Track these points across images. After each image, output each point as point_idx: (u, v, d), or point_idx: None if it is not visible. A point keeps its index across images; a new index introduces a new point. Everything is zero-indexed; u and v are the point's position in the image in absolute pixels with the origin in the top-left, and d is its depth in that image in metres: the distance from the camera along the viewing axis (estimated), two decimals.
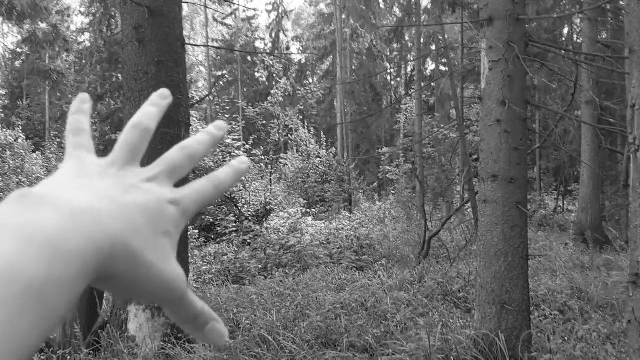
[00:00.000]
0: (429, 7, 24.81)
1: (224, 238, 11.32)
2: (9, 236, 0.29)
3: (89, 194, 0.36)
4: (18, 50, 31.71)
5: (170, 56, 4.99)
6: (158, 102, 0.46)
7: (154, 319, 4.83)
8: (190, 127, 5.49)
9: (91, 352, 4.33)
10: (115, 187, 0.38)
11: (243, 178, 13.97)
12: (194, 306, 0.41)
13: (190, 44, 6.06)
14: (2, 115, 32.16)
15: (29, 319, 0.28)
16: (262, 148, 16.08)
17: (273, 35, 45.06)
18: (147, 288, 0.37)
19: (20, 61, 32.15)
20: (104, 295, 5.48)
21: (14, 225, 0.30)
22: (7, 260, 0.28)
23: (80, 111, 0.46)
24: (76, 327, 4.30)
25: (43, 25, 18.42)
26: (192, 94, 20.41)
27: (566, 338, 4.87)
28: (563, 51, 5.92)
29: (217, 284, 7.85)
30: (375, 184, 27.20)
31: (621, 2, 12.11)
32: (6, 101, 36.04)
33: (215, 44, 36.86)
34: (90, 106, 0.47)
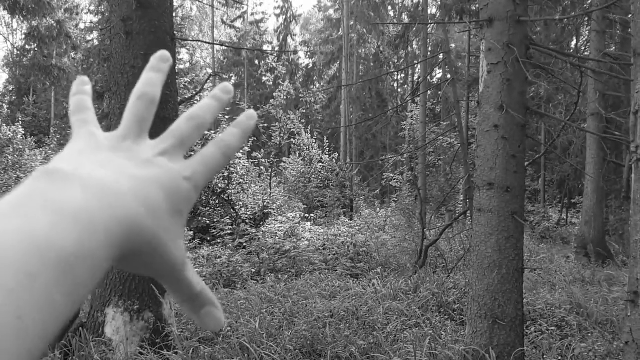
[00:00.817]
0: (437, 15, 24.68)
1: (219, 241, 11.13)
2: (40, 210, 0.30)
3: (108, 169, 0.36)
4: (27, 47, 31.74)
5: (158, 50, 4.78)
6: (159, 66, 0.46)
7: (132, 323, 4.64)
8: None
9: (60, 355, 4.14)
10: (131, 162, 0.38)
11: (241, 180, 13.83)
12: (193, 287, 0.41)
13: (181, 39, 5.87)
14: (9, 111, 32.19)
15: (62, 291, 0.28)
16: (263, 151, 15.87)
17: (281, 38, 45.04)
18: (153, 265, 0.37)
19: (27, 58, 32.22)
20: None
21: (44, 200, 0.30)
22: (40, 234, 0.28)
23: (81, 92, 0.46)
24: None
25: (50, 21, 18.36)
26: (193, 92, 20.29)
27: (560, 357, 4.65)
28: (567, 58, 5.71)
29: None
30: (378, 190, 26.99)
31: (629, 15, 11.91)
32: (13, 97, 36.11)
33: (223, 46, 36.81)
34: (91, 88, 0.47)
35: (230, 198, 13.16)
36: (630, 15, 11.54)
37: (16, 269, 0.26)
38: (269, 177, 15.53)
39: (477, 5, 4.70)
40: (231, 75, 42.42)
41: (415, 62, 31.50)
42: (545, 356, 4.63)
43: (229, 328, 4.83)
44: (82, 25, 35.18)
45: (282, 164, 20.28)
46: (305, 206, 16.41)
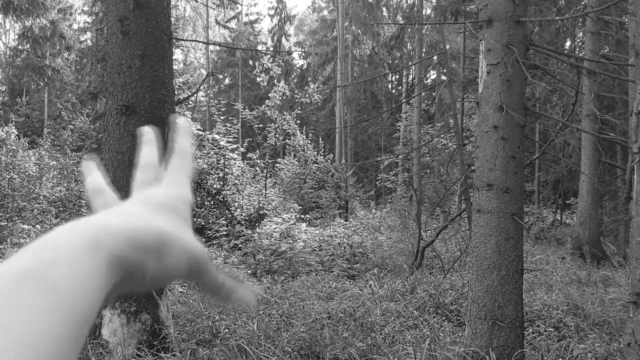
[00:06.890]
0: (432, 16, 24.71)
1: (214, 242, 11.08)
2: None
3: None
4: (20, 47, 31.55)
5: (155, 50, 4.77)
6: (145, 140, 0.53)
7: (129, 325, 4.59)
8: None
9: None
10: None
11: (236, 181, 13.78)
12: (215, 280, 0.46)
13: (178, 39, 5.84)
14: (1, 112, 31.99)
15: (37, 297, 0.30)
16: (258, 152, 15.81)
17: (275, 39, 45.01)
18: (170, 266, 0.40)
19: (21, 58, 32.04)
20: None
21: None
22: None
23: (91, 172, 0.51)
24: None
25: (43, 21, 18.21)
26: (187, 93, 20.22)
27: (559, 359, 4.64)
28: (566, 58, 5.72)
29: None
30: (373, 192, 26.98)
31: (625, 19, 11.95)
32: (6, 98, 35.87)
33: (217, 47, 36.70)
34: (97, 164, 0.53)
35: (225, 199, 13.11)
36: (626, 17, 11.58)
37: None
38: (264, 178, 15.48)
39: (474, 6, 4.69)
40: (225, 75, 42.37)
41: (411, 63, 31.52)
42: (544, 357, 4.62)
43: (226, 330, 4.79)
44: (75, 26, 35.04)
45: (277, 165, 20.22)
46: (300, 207, 16.37)
